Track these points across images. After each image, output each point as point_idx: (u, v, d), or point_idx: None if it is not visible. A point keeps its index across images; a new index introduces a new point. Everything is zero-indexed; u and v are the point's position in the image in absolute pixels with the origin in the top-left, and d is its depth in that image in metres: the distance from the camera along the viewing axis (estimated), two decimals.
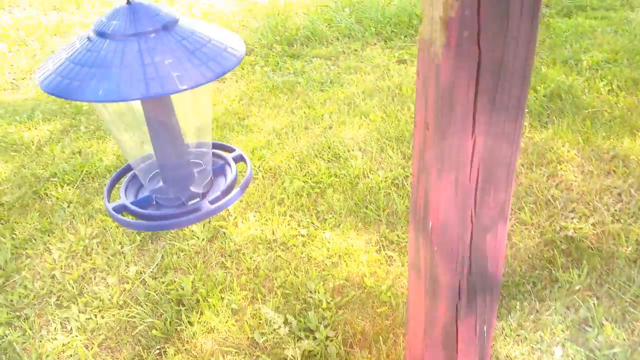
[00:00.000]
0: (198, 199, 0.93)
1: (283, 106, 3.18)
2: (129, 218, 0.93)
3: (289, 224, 2.27)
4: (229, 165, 1.01)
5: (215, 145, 1.05)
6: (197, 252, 2.17)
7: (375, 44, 3.97)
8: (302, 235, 2.21)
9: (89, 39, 0.75)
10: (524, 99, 0.69)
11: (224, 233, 2.25)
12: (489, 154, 0.72)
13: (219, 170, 1.01)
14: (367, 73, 3.51)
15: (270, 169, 2.61)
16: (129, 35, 0.73)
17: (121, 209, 0.92)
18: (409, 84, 3.25)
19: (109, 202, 0.94)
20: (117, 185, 1.02)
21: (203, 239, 2.22)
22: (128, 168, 1.01)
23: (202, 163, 0.99)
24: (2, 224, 2.37)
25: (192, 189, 0.94)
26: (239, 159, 1.03)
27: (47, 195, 2.54)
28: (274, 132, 2.91)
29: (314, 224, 2.26)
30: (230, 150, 1.05)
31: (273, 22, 4.35)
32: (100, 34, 0.74)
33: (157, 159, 0.91)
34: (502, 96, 0.67)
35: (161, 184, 0.96)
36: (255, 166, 2.64)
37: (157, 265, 2.11)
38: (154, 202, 0.95)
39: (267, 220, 2.30)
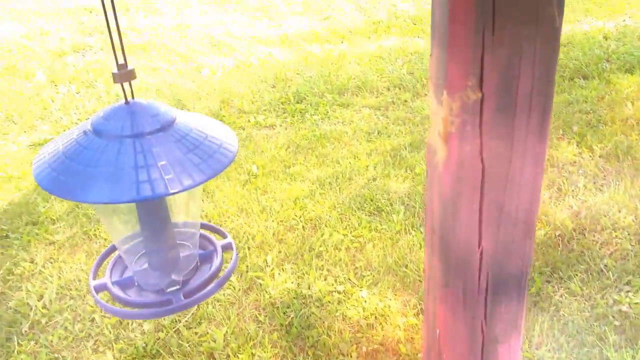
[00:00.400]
0: (177, 287, 0.90)
1: (329, 155, 3.19)
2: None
3: (325, 279, 2.23)
4: (217, 253, 0.96)
5: (208, 227, 1.03)
6: (232, 302, 2.16)
7: (425, 95, 3.96)
8: (338, 292, 2.17)
9: (85, 134, 0.75)
10: (534, 213, 0.65)
11: (260, 284, 2.24)
12: (498, 265, 0.67)
13: (206, 257, 0.97)
14: (416, 124, 3.48)
15: (311, 220, 2.60)
16: (125, 136, 0.73)
17: (102, 288, 0.90)
18: None
19: (94, 278, 0.92)
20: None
21: (239, 290, 2.21)
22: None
23: (190, 245, 0.96)
24: (51, 262, 2.46)
25: (173, 276, 0.91)
26: (229, 247, 0.98)
27: (95, 237, 2.62)
28: (317, 181, 2.92)
29: (350, 280, 2.22)
30: (222, 235, 1.01)
31: (326, 71, 4.43)
32: (97, 132, 0.75)
33: (143, 240, 0.91)
34: (509, 209, 0.63)
35: (146, 265, 0.93)
36: (296, 216, 2.64)
37: (192, 314, 2.12)
38: (136, 284, 0.93)
39: (304, 273, 2.28)
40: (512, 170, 0.61)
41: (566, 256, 2.22)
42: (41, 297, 2.24)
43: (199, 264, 0.95)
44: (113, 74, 0.76)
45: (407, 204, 2.65)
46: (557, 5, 0.63)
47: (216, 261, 0.94)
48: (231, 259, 0.94)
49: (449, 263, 0.70)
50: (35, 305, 2.20)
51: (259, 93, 4.17)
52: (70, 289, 2.29)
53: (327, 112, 3.78)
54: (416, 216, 2.55)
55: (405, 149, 3.17)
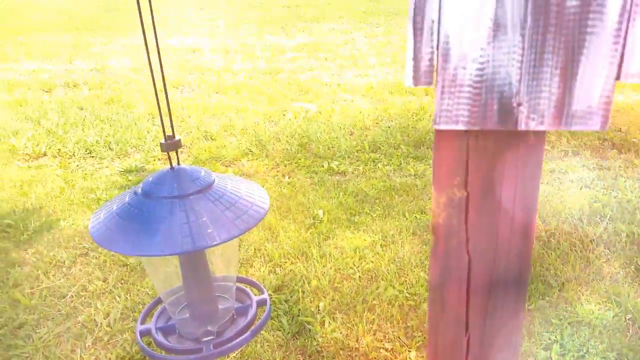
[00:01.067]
0: (211, 337, 0.96)
1: (396, 207, 3.19)
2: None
3: (374, 334, 2.22)
4: (252, 307, 1.02)
5: (248, 282, 1.09)
6: (280, 345, 2.20)
7: None
8: (386, 349, 2.14)
9: (135, 194, 0.86)
10: (519, 311, 0.65)
11: (309, 330, 2.26)
12: (486, 356, 0.67)
13: (242, 310, 1.03)
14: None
15: (369, 271, 2.61)
16: (170, 197, 0.83)
17: (146, 332, 0.99)
18: None
19: (141, 323, 1.01)
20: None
21: (288, 332, 2.25)
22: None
23: (229, 298, 1.03)
24: (122, 283, 2.63)
25: (209, 327, 0.98)
26: (263, 302, 1.04)
27: None
28: (381, 232, 2.93)
29: (400, 339, 2.19)
30: (260, 290, 1.07)
31: (405, 123, 4.47)
32: (146, 193, 0.85)
33: (184, 292, 0.98)
34: (495, 302, 0.64)
35: (187, 315, 1.01)
36: (354, 265, 2.65)
37: (240, 352, 2.17)
38: (177, 332, 1.00)
39: (354, 325, 2.27)
40: (496, 266, 0.62)
41: None
42: (107, 315, 2.40)
43: (235, 316, 1.02)
44: (161, 144, 0.87)
45: None
46: None
47: (250, 315, 1.00)
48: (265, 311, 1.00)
49: (437, 349, 0.71)
50: (101, 323, 2.35)
51: (337, 139, 4.28)
52: (134, 311, 2.44)
53: (400, 163, 3.81)
54: None
55: None
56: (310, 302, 2.41)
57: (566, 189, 3.24)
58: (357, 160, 3.89)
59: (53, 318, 2.38)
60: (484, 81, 0.63)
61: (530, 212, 0.63)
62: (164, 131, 0.88)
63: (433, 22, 0.62)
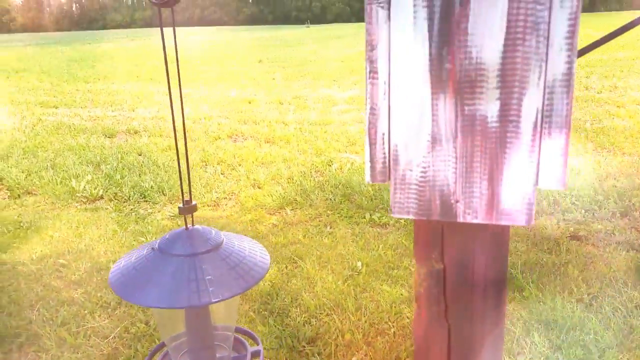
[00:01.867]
0: None
1: None
2: None
3: None
4: (246, 358, 1.07)
5: (243, 332, 1.14)
6: None
7: (552, 213, 3.79)
8: None
9: (152, 249, 0.95)
10: None
11: None
12: None
13: None
14: (535, 244, 3.33)
15: (404, 327, 2.58)
16: (183, 255, 0.91)
17: None
18: (577, 264, 2.99)
19: None
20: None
21: None
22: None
23: (226, 347, 1.08)
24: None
25: None
26: (258, 354, 1.08)
27: None
28: None
29: None
30: (255, 342, 1.11)
31: None
32: (161, 250, 0.94)
33: (187, 340, 1.04)
34: None
35: None
36: (389, 320, 2.63)
37: None
38: None
39: None
40: (474, 333, 0.65)
41: None
42: (145, 357, 2.47)
43: None
44: (179, 207, 0.96)
45: (507, 329, 2.51)
46: None
47: None
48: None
49: None
50: None
51: (379, 191, 4.31)
52: None
53: None
54: (514, 343, 2.40)
55: (516, 268, 3.04)
56: (344, 357, 2.40)
57: (612, 251, 3.12)
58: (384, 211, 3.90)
59: (95, 358, 2.47)
60: (427, 181, 0.75)
61: (501, 283, 0.67)
62: (182, 197, 0.98)
63: (384, 134, 0.77)
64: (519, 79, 0.68)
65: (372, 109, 0.75)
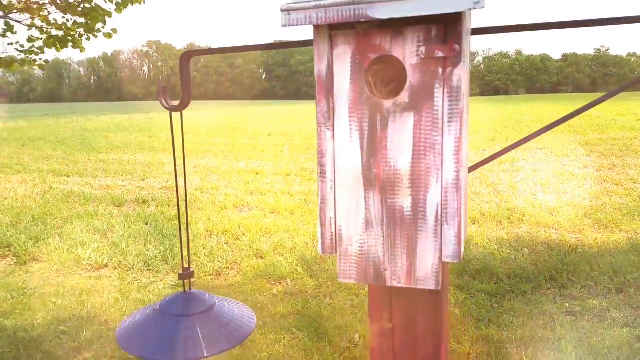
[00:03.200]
0: None
1: None
2: None
3: None
4: None
5: None
6: None
7: (549, 288, 3.83)
8: None
9: (154, 311, 1.09)
10: None
11: None
12: None
13: None
14: (531, 319, 3.36)
15: None
16: (180, 315, 1.06)
17: None
18: (571, 340, 3.01)
19: None
20: None
21: None
22: None
23: None
24: None
25: None
26: None
27: None
28: None
29: None
30: None
31: None
32: (162, 311, 1.08)
33: None
34: None
35: None
36: None
37: None
38: None
39: None
40: None
41: None
42: None
43: None
44: (179, 274, 1.12)
45: None
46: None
47: None
48: None
49: None
50: None
51: None
52: None
53: None
54: None
55: (513, 343, 3.06)
56: None
57: (607, 327, 3.15)
58: None
59: None
60: (363, 254, 0.99)
61: (440, 340, 0.79)
62: (182, 264, 1.11)
63: (331, 218, 1.02)
64: (423, 182, 0.92)
65: (322, 199, 1.01)
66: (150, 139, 16.37)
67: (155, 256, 4.88)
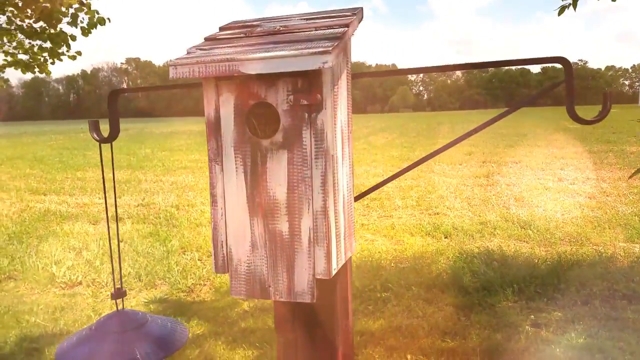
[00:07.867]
0: None
1: (398, 349, 3.23)
2: None
3: None
4: None
5: None
6: None
7: (516, 301, 3.91)
8: None
9: (90, 329, 1.16)
10: None
11: None
12: None
13: None
14: (497, 331, 3.43)
15: None
16: (115, 332, 1.14)
17: None
18: (534, 352, 3.08)
19: None
20: None
21: None
22: None
23: None
24: None
25: None
26: None
27: None
28: None
29: None
30: None
31: (419, 265, 4.60)
32: (97, 329, 1.17)
33: None
34: None
35: None
36: None
37: None
38: None
39: None
40: None
41: None
42: None
43: None
44: (111, 293, 1.23)
45: None
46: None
47: None
48: None
49: None
50: None
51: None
52: None
53: (410, 305, 3.88)
54: None
55: (480, 356, 3.11)
56: None
57: (570, 338, 3.22)
58: (368, 299, 4.00)
59: None
60: (251, 273, 1.13)
61: (334, 349, 0.89)
62: (114, 284, 1.20)
63: (222, 241, 1.16)
64: (297, 209, 1.08)
65: (214, 225, 1.16)
66: (128, 156, 16.31)
67: (129, 273, 4.87)
